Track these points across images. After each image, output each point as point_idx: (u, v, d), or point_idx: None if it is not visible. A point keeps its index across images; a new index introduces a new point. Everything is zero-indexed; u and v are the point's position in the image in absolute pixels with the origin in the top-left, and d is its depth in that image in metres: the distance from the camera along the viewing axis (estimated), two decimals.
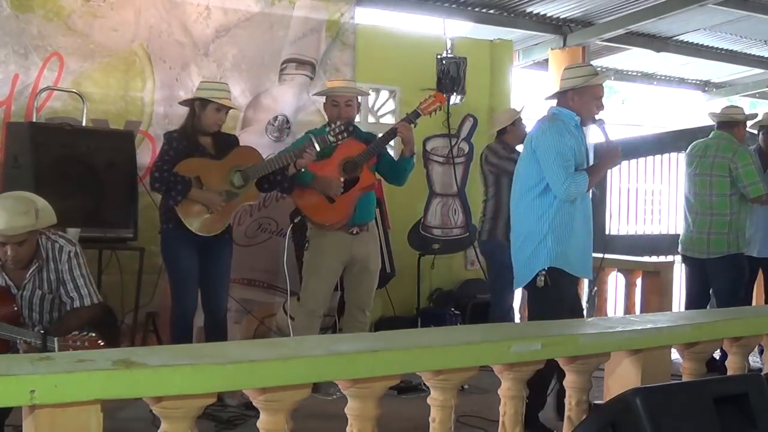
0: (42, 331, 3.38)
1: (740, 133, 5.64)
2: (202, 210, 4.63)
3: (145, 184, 5.46)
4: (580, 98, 4.06)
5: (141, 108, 5.85)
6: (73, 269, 3.67)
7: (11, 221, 3.37)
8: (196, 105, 4.72)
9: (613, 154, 4.09)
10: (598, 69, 4.43)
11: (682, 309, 7.96)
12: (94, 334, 3.32)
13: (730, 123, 5.63)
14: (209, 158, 4.70)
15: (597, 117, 4.11)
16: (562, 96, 4.12)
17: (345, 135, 4.66)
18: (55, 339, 3.29)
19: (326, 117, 5.08)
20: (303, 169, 4.71)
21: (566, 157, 3.96)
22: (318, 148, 4.62)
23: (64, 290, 3.67)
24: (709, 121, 5.93)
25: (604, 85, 4.16)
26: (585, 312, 5.20)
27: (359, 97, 5.11)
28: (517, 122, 5.93)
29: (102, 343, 3.30)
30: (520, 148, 5.83)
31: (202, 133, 4.72)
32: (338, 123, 4.69)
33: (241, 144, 4.96)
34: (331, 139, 4.62)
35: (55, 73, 5.51)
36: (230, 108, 4.81)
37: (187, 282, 4.73)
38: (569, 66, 4.35)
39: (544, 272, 4.01)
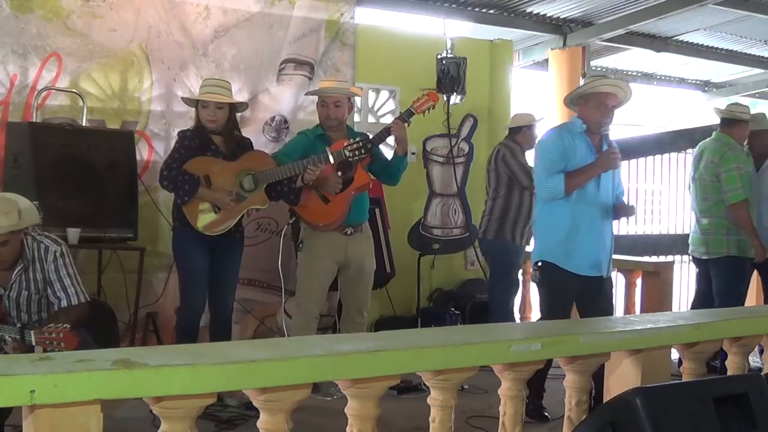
0: (19, 326, 3.42)
1: (740, 133, 5.54)
2: (210, 209, 4.62)
3: (144, 181, 5.49)
4: (586, 105, 4.27)
5: (138, 108, 5.85)
6: (60, 269, 3.67)
7: None
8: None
9: (603, 160, 4.22)
10: (611, 76, 4.54)
11: (683, 309, 7.99)
12: (68, 326, 3.34)
13: (731, 121, 5.55)
14: (221, 158, 4.67)
15: (603, 126, 4.24)
16: (578, 104, 4.33)
17: (362, 152, 4.58)
18: (32, 332, 3.32)
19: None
20: (310, 183, 4.70)
21: (551, 159, 4.22)
22: (332, 162, 4.59)
23: (51, 290, 3.67)
24: (709, 121, 5.90)
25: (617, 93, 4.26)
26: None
27: (354, 97, 5.09)
28: (532, 127, 6.00)
29: (78, 337, 3.33)
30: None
31: (213, 132, 4.70)
32: (357, 139, 4.64)
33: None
34: (347, 154, 4.57)
35: (54, 73, 5.51)
36: (216, 102, 4.62)
37: (196, 281, 4.72)
38: (589, 76, 4.49)
39: (536, 266, 4.33)
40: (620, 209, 4.44)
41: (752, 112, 5.76)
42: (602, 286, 4.34)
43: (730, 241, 5.49)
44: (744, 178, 5.40)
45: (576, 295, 4.33)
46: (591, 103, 4.23)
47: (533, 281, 4.45)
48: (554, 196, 4.21)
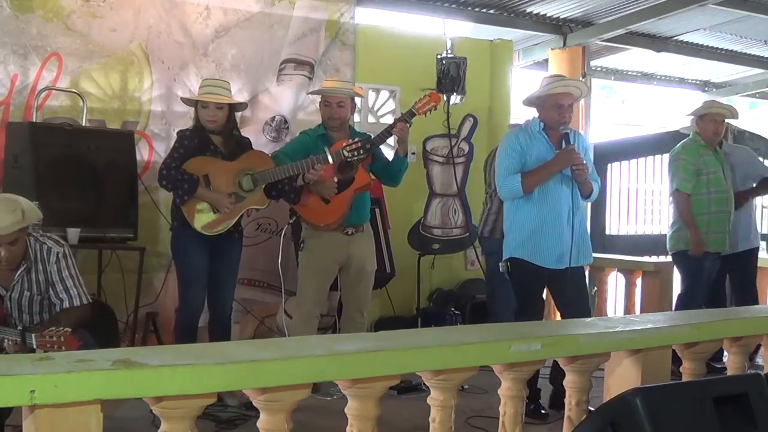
0: (20, 328, 3.42)
1: (704, 129, 5.52)
2: (209, 209, 4.62)
3: (144, 181, 5.49)
4: (542, 106, 4.44)
5: (138, 108, 5.85)
6: (62, 270, 3.67)
7: (1, 220, 3.38)
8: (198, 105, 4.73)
9: (560, 159, 4.32)
10: (559, 77, 4.73)
11: None
12: (69, 329, 3.34)
13: (696, 119, 5.60)
14: (220, 158, 4.67)
15: (562, 124, 4.36)
16: (536, 105, 4.50)
17: (361, 152, 4.58)
18: (33, 335, 3.32)
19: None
20: (310, 183, 4.70)
21: (508, 161, 4.39)
22: (331, 162, 4.59)
23: (54, 291, 3.67)
24: None
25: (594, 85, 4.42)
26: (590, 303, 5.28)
27: (355, 98, 5.09)
28: None
29: (79, 340, 3.33)
30: None
31: (212, 132, 4.69)
32: (356, 139, 4.64)
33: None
34: (346, 154, 4.57)
35: (54, 73, 5.51)
36: (216, 102, 4.62)
37: (195, 281, 4.71)
38: (546, 77, 4.63)
39: (504, 262, 4.49)
40: (575, 176, 4.35)
41: (752, 111, 5.80)
42: (570, 276, 4.42)
43: (680, 237, 5.58)
44: (686, 170, 5.47)
45: (548, 286, 4.55)
46: (547, 104, 4.39)
47: (505, 274, 4.55)
48: (513, 196, 4.38)
